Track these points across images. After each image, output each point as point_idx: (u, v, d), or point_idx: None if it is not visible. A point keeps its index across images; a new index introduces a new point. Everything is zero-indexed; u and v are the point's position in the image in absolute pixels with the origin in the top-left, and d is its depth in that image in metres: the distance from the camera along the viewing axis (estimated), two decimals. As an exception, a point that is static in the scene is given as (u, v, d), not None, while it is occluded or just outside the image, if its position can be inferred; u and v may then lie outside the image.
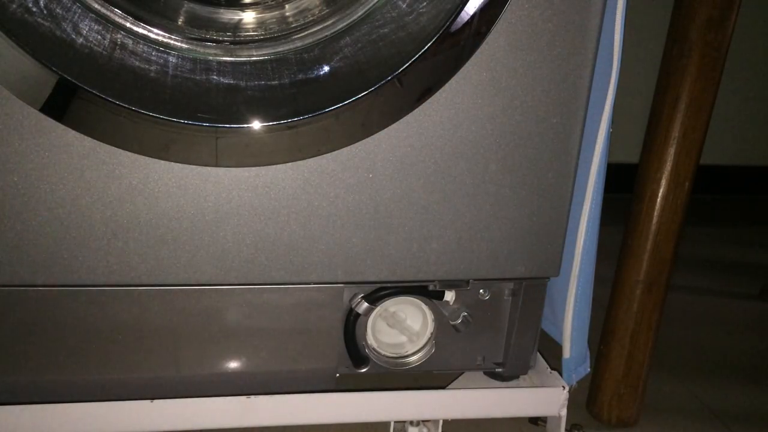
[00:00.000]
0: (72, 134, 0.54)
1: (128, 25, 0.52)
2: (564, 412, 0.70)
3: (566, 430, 0.73)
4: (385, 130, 0.59)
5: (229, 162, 0.57)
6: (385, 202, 0.61)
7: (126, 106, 0.52)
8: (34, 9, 0.49)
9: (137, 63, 0.52)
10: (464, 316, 0.69)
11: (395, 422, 0.73)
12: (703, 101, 0.71)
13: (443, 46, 0.55)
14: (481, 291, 0.69)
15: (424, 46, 0.55)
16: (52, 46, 0.50)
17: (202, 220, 0.59)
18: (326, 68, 0.55)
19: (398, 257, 0.63)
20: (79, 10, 0.50)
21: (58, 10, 0.50)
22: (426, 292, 0.67)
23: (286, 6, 0.57)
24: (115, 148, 0.55)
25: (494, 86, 0.59)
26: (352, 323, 0.67)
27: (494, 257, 0.65)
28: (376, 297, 0.66)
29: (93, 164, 0.56)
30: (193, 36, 0.54)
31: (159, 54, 0.53)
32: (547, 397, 0.70)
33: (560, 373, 0.73)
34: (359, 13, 0.55)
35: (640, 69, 1.54)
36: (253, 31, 0.56)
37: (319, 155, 0.58)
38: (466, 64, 0.58)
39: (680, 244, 0.76)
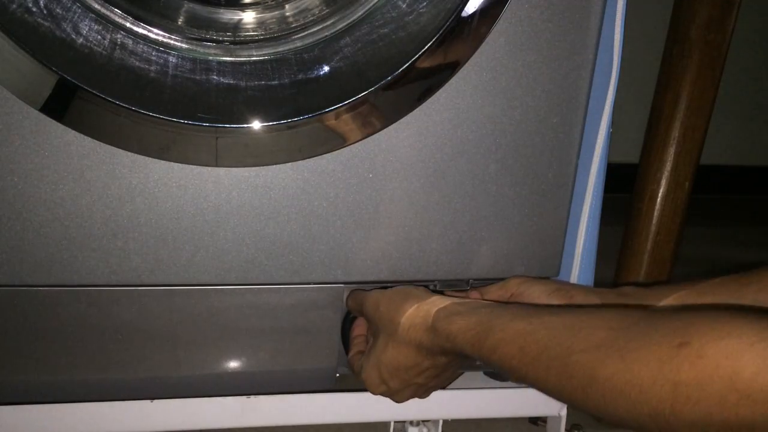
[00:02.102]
0: (72, 134, 0.54)
1: (128, 25, 0.52)
2: (564, 412, 0.70)
3: (566, 430, 0.73)
4: (385, 130, 0.59)
5: (229, 162, 0.57)
6: (385, 202, 0.61)
7: (126, 106, 0.52)
8: (34, 9, 0.49)
9: (137, 63, 0.52)
10: (464, 316, 0.69)
11: (395, 422, 0.73)
12: (703, 101, 0.72)
13: (443, 46, 0.55)
14: (481, 291, 0.69)
15: (424, 46, 0.55)
16: (52, 46, 0.50)
17: (202, 220, 0.59)
18: (326, 68, 0.55)
19: (398, 257, 0.63)
20: (79, 10, 0.50)
21: (58, 10, 0.50)
22: (426, 292, 0.67)
23: (286, 6, 0.57)
24: (115, 148, 0.55)
25: (494, 86, 0.59)
26: (350, 323, 0.67)
27: (494, 257, 0.65)
28: (376, 297, 0.66)
29: (93, 164, 0.56)
30: (193, 36, 0.54)
31: (159, 54, 0.53)
32: (547, 397, 0.70)
33: (560, 373, 0.73)
34: (359, 13, 0.55)
35: (640, 69, 1.54)
36: (253, 31, 0.56)
37: (319, 155, 0.58)
38: (466, 64, 0.58)
39: (680, 244, 0.76)
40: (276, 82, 0.54)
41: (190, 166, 0.57)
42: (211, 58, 0.54)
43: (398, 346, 0.54)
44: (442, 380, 0.58)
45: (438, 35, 0.55)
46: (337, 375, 0.68)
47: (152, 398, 0.62)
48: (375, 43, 0.55)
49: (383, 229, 0.62)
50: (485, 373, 0.75)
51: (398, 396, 0.58)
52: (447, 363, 0.54)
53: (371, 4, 0.54)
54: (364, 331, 0.62)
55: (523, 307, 0.51)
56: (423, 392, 0.58)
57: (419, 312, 0.53)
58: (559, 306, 0.57)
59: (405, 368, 0.55)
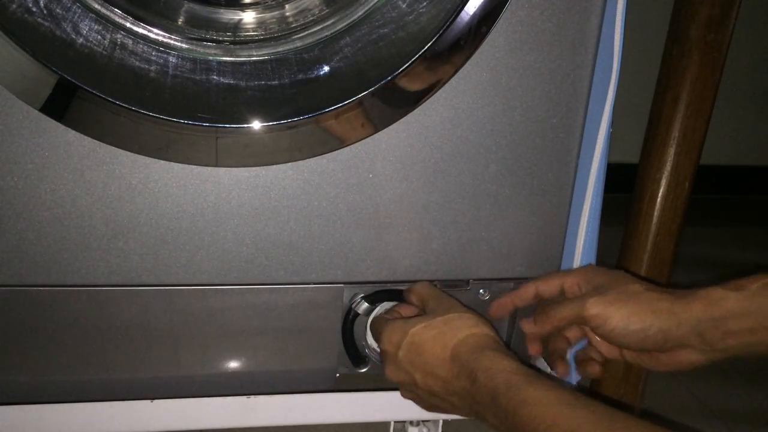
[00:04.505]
0: (72, 134, 0.54)
1: (128, 25, 0.52)
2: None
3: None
4: (385, 130, 0.59)
5: (229, 162, 0.57)
6: (385, 202, 0.61)
7: (126, 106, 0.52)
8: (34, 9, 0.49)
9: (137, 63, 0.52)
10: (464, 316, 0.69)
11: (395, 422, 0.73)
12: (703, 101, 0.72)
13: (443, 46, 0.55)
14: (481, 291, 0.68)
15: (424, 46, 0.55)
16: (52, 46, 0.50)
17: (202, 220, 0.59)
18: (326, 68, 0.55)
19: (398, 257, 0.63)
20: (79, 10, 0.50)
21: (58, 10, 0.50)
22: (426, 292, 0.67)
23: (286, 6, 0.57)
24: (115, 148, 0.55)
25: (494, 86, 0.59)
26: (350, 323, 0.67)
27: (494, 257, 0.65)
28: (376, 297, 0.66)
29: (93, 164, 0.56)
30: (193, 36, 0.54)
31: (159, 54, 0.53)
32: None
33: (560, 373, 0.73)
34: (359, 13, 0.55)
35: (640, 69, 1.54)
36: (253, 31, 0.56)
37: (319, 155, 0.58)
38: (466, 64, 0.58)
39: (680, 244, 0.76)
40: (276, 82, 0.54)
41: (190, 166, 0.57)
42: (211, 58, 0.54)
43: (436, 336, 0.52)
44: (433, 400, 0.55)
45: (438, 35, 0.55)
46: (337, 375, 0.68)
47: (152, 398, 0.62)
48: (375, 43, 0.55)
49: (383, 229, 0.62)
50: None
51: (391, 368, 0.55)
52: (453, 390, 0.51)
53: (371, 4, 0.54)
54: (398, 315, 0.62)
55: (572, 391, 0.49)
56: (408, 393, 0.57)
57: (483, 326, 0.53)
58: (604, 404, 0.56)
59: (419, 353, 0.53)
